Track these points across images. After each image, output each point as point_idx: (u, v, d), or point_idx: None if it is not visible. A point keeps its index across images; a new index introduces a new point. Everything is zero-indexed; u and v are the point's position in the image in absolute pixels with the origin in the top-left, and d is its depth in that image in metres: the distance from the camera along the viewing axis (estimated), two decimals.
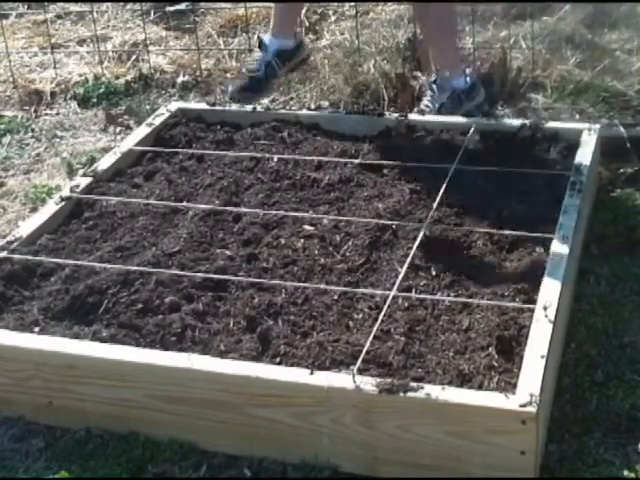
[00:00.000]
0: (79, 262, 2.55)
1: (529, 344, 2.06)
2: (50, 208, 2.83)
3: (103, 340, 2.22)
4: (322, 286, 2.41)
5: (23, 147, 3.73)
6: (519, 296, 2.29)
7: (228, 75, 4.11)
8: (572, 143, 2.95)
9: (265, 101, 3.78)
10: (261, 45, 3.51)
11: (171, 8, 4.75)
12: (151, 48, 4.35)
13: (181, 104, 3.52)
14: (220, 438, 2.11)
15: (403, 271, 2.37)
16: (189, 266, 2.50)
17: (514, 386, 1.96)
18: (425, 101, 3.42)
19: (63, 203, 2.84)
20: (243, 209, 2.78)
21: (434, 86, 3.39)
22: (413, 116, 3.24)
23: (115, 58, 4.34)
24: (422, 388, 1.95)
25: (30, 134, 3.81)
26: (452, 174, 2.77)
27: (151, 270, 2.47)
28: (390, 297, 2.28)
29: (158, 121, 3.33)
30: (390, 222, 2.64)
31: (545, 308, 2.15)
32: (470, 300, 2.31)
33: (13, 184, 3.42)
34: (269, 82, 3.51)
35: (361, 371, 2.02)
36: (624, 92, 3.52)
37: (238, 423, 2.08)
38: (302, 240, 2.60)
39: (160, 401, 2.12)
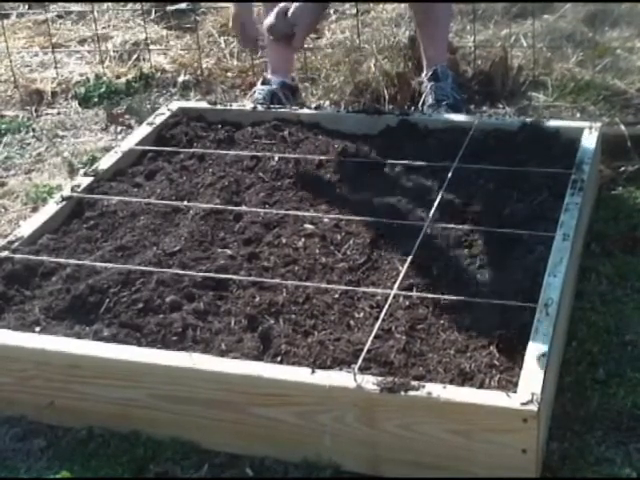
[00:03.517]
0: (80, 261, 2.55)
1: (530, 342, 2.06)
2: (51, 208, 2.83)
3: (104, 340, 2.22)
4: (323, 285, 2.41)
5: (24, 147, 3.73)
6: (520, 294, 2.29)
7: (229, 74, 4.11)
8: (573, 141, 2.95)
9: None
10: (264, 81, 3.61)
11: (172, 7, 4.76)
12: (152, 47, 4.35)
13: (182, 103, 3.52)
14: (222, 437, 2.11)
15: (404, 270, 2.37)
16: (190, 265, 2.50)
17: (515, 384, 1.96)
18: (430, 100, 3.43)
19: (64, 203, 2.84)
20: (244, 208, 2.78)
21: (431, 84, 3.41)
22: (414, 115, 3.24)
23: (116, 57, 4.34)
24: (423, 387, 1.95)
25: (31, 134, 3.81)
26: (453, 173, 2.77)
27: (152, 269, 2.47)
28: (391, 296, 2.28)
29: (159, 120, 3.33)
30: (391, 221, 2.64)
31: (546, 306, 2.15)
32: (471, 299, 2.31)
33: (14, 184, 3.42)
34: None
35: (362, 370, 2.02)
36: (625, 90, 3.52)
37: (239, 422, 2.08)
38: (303, 239, 2.60)
39: (161, 400, 2.12)
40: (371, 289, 2.39)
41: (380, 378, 1.99)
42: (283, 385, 2.03)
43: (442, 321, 2.27)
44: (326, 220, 2.68)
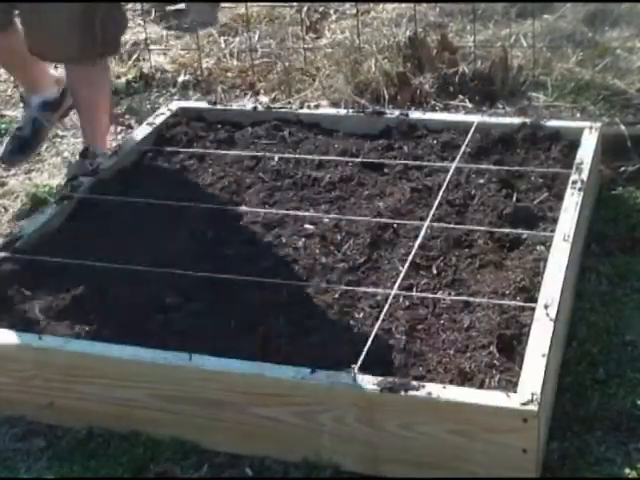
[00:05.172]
0: (80, 261, 2.55)
1: (530, 342, 2.06)
2: (51, 207, 2.83)
3: (104, 339, 2.22)
4: (323, 285, 2.41)
5: None
6: (520, 294, 2.29)
7: (229, 74, 4.11)
8: (573, 141, 2.95)
9: (266, 99, 3.79)
10: (24, 101, 3.48)
11: (172, 7, 4.75)
12: (152, 47, 4.35)
13: (182, 103, 3.52)
14: (221, 437, 2.11)
15: (404, 270, 2.37)
16: (190, 265, 2.50)
17: (515, 384, 1.96)
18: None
19: (64, 202, 2.84)
20: (244, 208, 2.78)
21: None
22: (414, 115, 3.24)
23: (116, 57, 4.33)
24: (423, 387, 1.95)
25: None
26: (453, 173, 2.78)
27: (152, 269, 2.47)
28: (391, 296, 2.28)
29: (159, 120, 3.33)
30: (391, 221, 2.64)
31: (546, 306, 2.15)
32: (471, 299, 2.31)
33: (14, 183, 3.42)
34: (38, 137, 3.46)
35: (362, 370, 2.02)
36: (625, 90, 3.52)
37: (239, 422, 2.08)
38: (303, 239, 2.60)
39: (161, 400, 2.12)
40: (371, 289, 2.39)
41: (380, 378, 1.99)
42: (283, 385, 2.03)
43: (442, 321, 2.27)
44: (326, 220, 2.68)
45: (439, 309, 2.31)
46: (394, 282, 2.35)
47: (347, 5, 4.55)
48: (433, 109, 3.52)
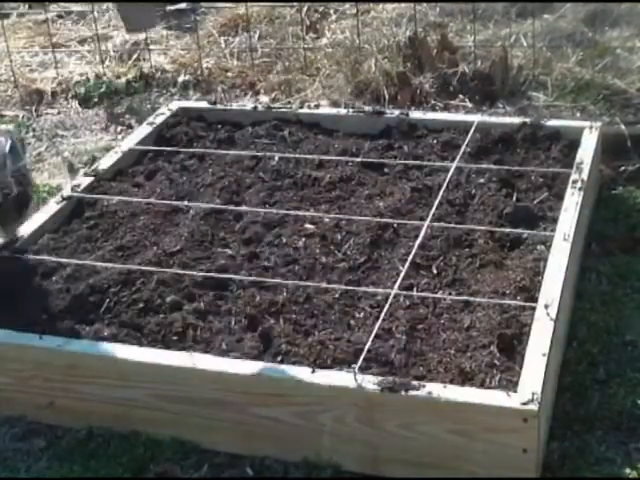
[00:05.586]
0: (80, 261, 2.55)
1: (530, 342, 2.06)
2: (51, 207, 2.83)
3: (104, 339, 2.22)
4: (323, 285, 2.41)
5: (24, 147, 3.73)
6: (520, 294, 2.29)
7: (229, 74, 4.11)
8: (573, 141, 2.95)
9: (266, 99, 3.79)
10: None
11: (172, 7, 4.75)
12: (152, 47, 4.35)
13: (182, 103, 3.52)
14: (222, 437, 2.11)
15: (404, 269, 2.37)
16: (190, 265, 2.50)
17: (516, 384, 1.96)
18: None
19: (64, 202, 2.84)
20: (244, 208, 2.78)
21: None
22: (414, 114, 3.24)
23: (116, 57, 4.34)
24: (424, 386, 1.95)
25: (31, 133, 3.81)
26: (453, 173, 2.77)
27: (152, 269, 2.47)
28: (391, 295, 2.28)
29: (159, 120, 3.33)
30: (391, 220, 2.64)
31: (546, 306, 2.15)
32: (471, 298, 2.31)
33: None
34: None
35: (363, 369, 2.02)
36: (625, 90, 3.52)
37: (239, 422, 2.08)
38: (303, 239, 2.60)
39: (161, 400, 2.12)
40: (371, 289, 2.39)
41: (380, 378, 1.99)
42: (283, 385, 2.03)
43: (442, 321, 2.27)
44: (326, 220, 2.68)
45: (439, 309, 2.31)
46: (394, 282, 2.35)
47: (347, 5, 4.55)
48: (433, 109, 3.52)
